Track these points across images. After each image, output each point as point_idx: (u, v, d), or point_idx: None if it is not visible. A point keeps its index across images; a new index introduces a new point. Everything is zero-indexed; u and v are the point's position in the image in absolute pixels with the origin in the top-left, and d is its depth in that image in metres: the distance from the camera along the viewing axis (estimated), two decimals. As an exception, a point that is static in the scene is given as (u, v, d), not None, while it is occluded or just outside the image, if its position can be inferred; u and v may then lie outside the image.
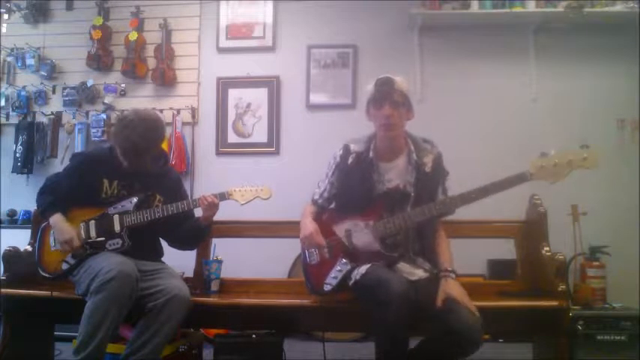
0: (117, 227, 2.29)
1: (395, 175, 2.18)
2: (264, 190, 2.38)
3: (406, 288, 1.89)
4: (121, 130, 2.29)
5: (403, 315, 1.84)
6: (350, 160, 2.22)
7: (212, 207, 2.35)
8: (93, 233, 2.29)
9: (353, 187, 2.21)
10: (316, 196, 2.32)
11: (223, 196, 2.36)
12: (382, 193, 2.17)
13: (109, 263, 2.06)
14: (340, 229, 2.20)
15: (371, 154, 2.20)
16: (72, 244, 2.25)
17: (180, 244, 2.50)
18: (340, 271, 2.13)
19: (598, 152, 1.97)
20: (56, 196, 2.36)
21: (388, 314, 1.84)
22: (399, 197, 2.15)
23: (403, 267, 2.12)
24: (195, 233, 2.45)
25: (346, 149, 2.25)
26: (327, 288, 2.16)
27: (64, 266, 2.27)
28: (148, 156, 2.35)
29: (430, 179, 2.16)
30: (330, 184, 2.30)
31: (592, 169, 1.97)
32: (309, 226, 2.19)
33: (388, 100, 2.11)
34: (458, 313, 1.87)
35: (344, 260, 2.14)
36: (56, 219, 2.29)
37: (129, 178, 2.36)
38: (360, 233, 2.14)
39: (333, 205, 2.32)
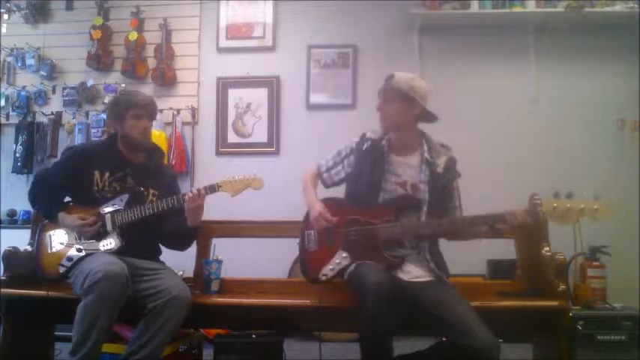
0: (109, 227, 2.28)
1: (405, 171, 2.20)
2: (255, 180, 2.30)
3: (380, 279, 1.89)
4: (123, 102, 2.37)
5: (377, 305, 1.82)
6: (365, 146, 2.25)
7: (195, 199, 2.26)
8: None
9: (363, 174, 2.21)
10: (322, 168, 2.36)
11: (213, 189, 2.30)
12: (390, 191, 2.18)
13: (98, 264, 2.05)
14: (344, 221, 2.19)
15: (383, 142, 2.22)
16: (88, 225, 2.25)
17: (168, 243, 2.46)
18: (339, 263, 2.14)
19: (611, 206, 2.01)
20: (54, 194, 2.36)
21: (363, 305, 1.85)
22: (407, 202, 2.16)
23: (404, 265, 2.12)
24: (181, 234, 2.38)
25: (363, 136, 2.30)
26: (322, 278, 2.17)
27: (61, 269, 2.26)
28: (150, 123, 2.39)
29: (441, 180, 2.17)
30: (341, 166, 2.32)
31: (602, 222, 2.01)
32: (316, 206, 2.20)
33: (383, 94, 2.18)
34: (473, 330, 1.83)
35: (344, 254, 2.15)
36: (61, 217, 2.30)
37: (122, 172, 2.35)
38: (365, 231, 2.14)
39: (341, 196, 2.33)
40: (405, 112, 2.17)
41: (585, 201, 2.01)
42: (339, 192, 2.36)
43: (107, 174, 2.34)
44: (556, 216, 2.02)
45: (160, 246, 2.50)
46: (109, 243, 2.27)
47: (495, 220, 2.06)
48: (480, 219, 2.08)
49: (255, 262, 3.23)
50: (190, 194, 2.27)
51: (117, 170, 2.35)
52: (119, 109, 2.36)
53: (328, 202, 2.27)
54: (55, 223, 2.33)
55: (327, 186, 2.37)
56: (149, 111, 2.38)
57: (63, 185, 2.37)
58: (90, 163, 2.35)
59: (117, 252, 2.24)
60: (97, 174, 2.33)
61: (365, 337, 1.92)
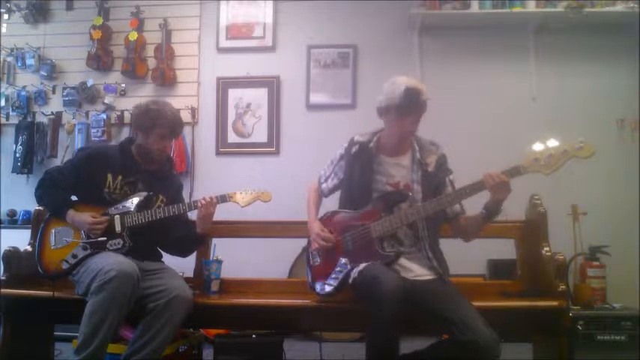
0: (118, 228, 2.29)
1: (397, 172, 2.21)
2: (265, 193, 2.38)
3: (398, 285, 1.88)
4: (152, 117, 2.34)
5: (394, 312, 1.83)
6: (353, 150, 2.26)
7: (208, 206, 2.32)
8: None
9: (354, 177, 2.23)
10: (322, 179, 2.39)
11: (224, 199, 2.35)
12: (382, 191, 2.18)
13: (109, 263, 2.06)
14: (340, 229, 2.21)
15: (371, 144, 2.23)
16: (99, 224, 2.26)
17: (171, 249, 2.48)
18: (340, 271, 2.14)
19: (593, 143, 1.94)
20: (64, 192, 2.37)
21: (379, 311, 1.84)
22: (397, 197, 2.16)
23: (404, 263, 2.13)
24: (189, 240, 2.43)
25: (351, 141, 2.30)
26: (327, 289, 2.17)
27: (64, 266, 2.27)
28: (171, 141, 2.45)
29: (432, 179, 2.18)
30: (334, 174, 2.35)
31: (588, 159, 1.93)
32: (313, 227, 2.25)
33: (415, 112, 2.14)
34: (474, 327, 1.83)
35: (343, 260, 2.15)
36: (71, 214, 2.31)
37: (133, 177, 2.37)
38: (359, 233, 2.15)
39: (338, 202, 2.34)
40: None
41: (567, 143, 1.96)
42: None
43: (119, 177, 2.35)
44: (539, 166, 1.96)
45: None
46: (117, 243, 2.28)
47: (475, 187, 2.03)
48: (462, 191, 2.06)
49: (255, 262, 3.23)
50: (203, 201, 2.31)
51: (129, 175, 2.37)
52: (147, 121, 2.35)
53: (329, 216, 2.30)
54: (63, 220, 2.33)
55: (325, 195, 2.39)
56: (175, 131, 2.41)
57: (74, 184, 2.38)
58: (103, 165, 2.37)
59: (123, 253, 2.25)
60: (109, 177, 2.35)
61: (376, 339, 1.90)
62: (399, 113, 2.14)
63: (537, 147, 1.98)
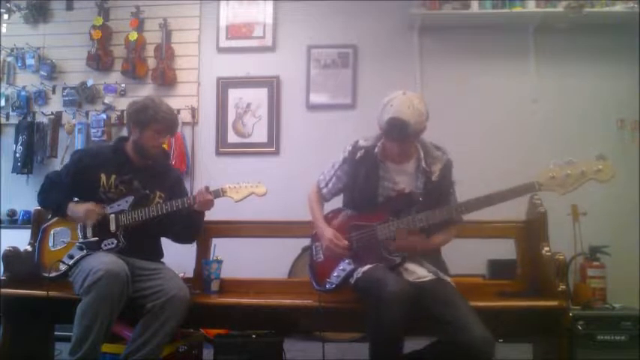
0: (112, 227, 2.29)
1: (402, 178, 2.19)
2: (258, 186, 2.35)
3: (402, 288, 1.89)
4: (149, 113, 2.32)
5: (398, 315, 1.83)
6: (358, 155, 2.23)
7: (207, 204, 2.33)
8: (89, 233, 2.30)
9: (358, 182, 2.21)
10: (322, 184, 2.36)
11: (218, 194, 2.34)
12: (388, 196, 2.17)
13: (98, 263, 2.06)
14: (346, 230, 2.21)
15: (376, 150, 2.20)
16: (94, 213, 2.27)
17: (174, 237, 2.49)
18: (343, 270, 2.15)
19: (613, 165, 1.87)
20: (63, 193, 2.38)
21: (383, 314, 1.84)
22: (404, 201, 2.16)
23: (406, 265, 2.12)
24: (189, 223, 2.41)
25: (356, 144, 2.27)
26: (328, 286, 2.18)
27: (62, 267, 2.27)
28: (166, 138, 2.43)
29: (436, 188, 2.16)
30: (336, 177, 2.31)
31: (606, 183, 1.88)
32: (326, 233, 2.21)
33: (399, 141, 2.11)
34: (468, 327, 1.84)
35: (347, 260, 2.16)
36: (71, 207, 2.32)
37: (128, 175, 2.37)
38: (365, 234, 2.15)
39: (341, 204, 2.34)
40: (417, 137, 2.17)
41: (586, 163, 1.89)
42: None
43: (113, 176, 2.36)
44: (555, 185, 1.92)
45: (162, 248, 2.52)
46: (111, 243, 2.28)
47: (489, 200, 2.02)
48: (473, 202, 2.06)
49: (255, 262, 3.23)
50: (202, 198, 2.30)
51: (123, 173, 2.37)
52: (143, 117, 2.34)
53: (332, 214, 2.30)
54: (65, 218, 2.35)
55: (326, 200, 2.38)
56: (171, 128, 2.43)
57: (70, 186, 2.39)
58: (96, 165, 2.37)
59: (118, 252, 2.25)
60: (103, 177, 2.35)
61: (379, 341, 1.91)
62: (385, 137, 2.14)
63: (555, 164, 1.93)
